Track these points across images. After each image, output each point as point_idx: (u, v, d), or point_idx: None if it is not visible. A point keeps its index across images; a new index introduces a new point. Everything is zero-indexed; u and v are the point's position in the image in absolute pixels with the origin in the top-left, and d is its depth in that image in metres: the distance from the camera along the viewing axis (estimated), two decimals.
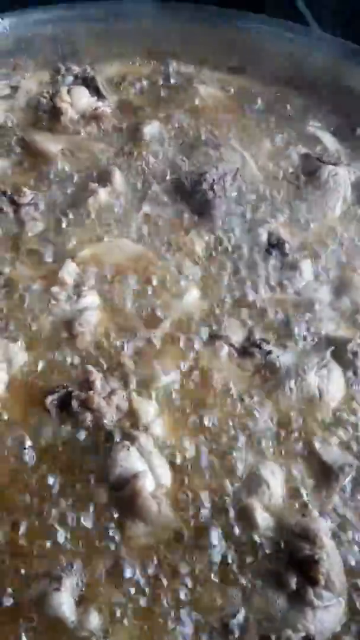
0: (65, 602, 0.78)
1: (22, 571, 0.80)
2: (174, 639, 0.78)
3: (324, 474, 0.91)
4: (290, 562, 0.83)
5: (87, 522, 0.84)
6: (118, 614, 0.79)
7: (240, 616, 0.80)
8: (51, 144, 1.21)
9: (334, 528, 0.87)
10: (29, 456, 0.88)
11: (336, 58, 1.36)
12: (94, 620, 0.78)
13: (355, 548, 0.86)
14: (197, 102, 1.36)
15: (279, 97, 1.39)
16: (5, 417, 0.92)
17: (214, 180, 1.17)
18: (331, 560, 0.82)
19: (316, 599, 0.81)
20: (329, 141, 1.32)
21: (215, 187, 1.16)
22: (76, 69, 1.32)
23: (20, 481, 0.86)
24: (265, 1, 1.67)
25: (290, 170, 1.26)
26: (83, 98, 1.27)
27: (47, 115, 1.27)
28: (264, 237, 1.14)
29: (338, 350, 1.02)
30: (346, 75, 1.36)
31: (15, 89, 1.31)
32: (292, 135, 1.33)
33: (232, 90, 1.40)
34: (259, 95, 1.39)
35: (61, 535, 0.83)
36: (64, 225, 1.12)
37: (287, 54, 1.39)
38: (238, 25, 1.40)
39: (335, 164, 1.24)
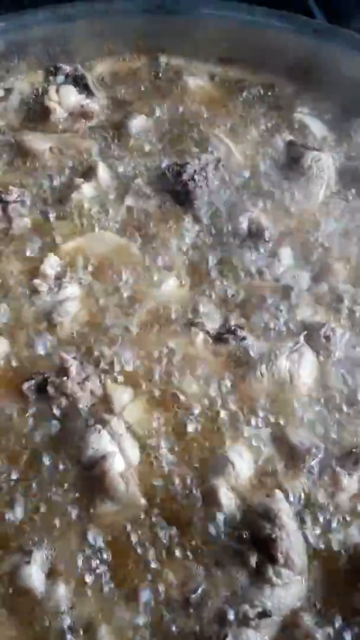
0: (34, 574, 0.83)
1: None
2: (135, 611, 0.82)
3: (292, 456, 0.93)
4: (252, 541, 0.85)
5: (59, 500, 0.89)
6: (84, 586, 0.84)
7: (201, 591, 0.84)
8: (40, 143, 1.26)
9: (299, 508, 0.89)
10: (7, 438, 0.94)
11: (326, 45, 1.35)
12: (61, 591, 0.83)
13: (319, 529, 0.88)
14: (185, 94, 1.38)
15: (268, 86, 1.39)
16: None
17: (195, 171, 1.19)
18: (291, 540, 0.84)
19: (275, 576, 0.83)
20: (317, 128, 1.32)
21: (196, 177, 1.18)
22: (67, 68, 1.36)
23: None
24: None
25: (275, 157, 1.26)
26: (71, 96, 1.31)
27: (37, 114, 1.32)
28: (244, 225, 1.16)
29: (312, 334, 1.03)
30: (336, 62, 1.35)
31: (9, 90, 1.36)
32: (279, 123, 1.33)
33: (222, 80, 1.42)
34: (248, 85, 1.40)
35: (33, 512, 0.88)
36: (49, 219, 1.16)
37: (276, 43, 1.38)
38: (228, 16, 1.40)
39: (318, 150, 1.24)
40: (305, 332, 1.03)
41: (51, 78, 1.35)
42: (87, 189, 1.19)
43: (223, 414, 0.96)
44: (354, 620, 0.83)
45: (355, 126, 1.31)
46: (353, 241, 1.15)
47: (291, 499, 0.90)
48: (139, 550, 0.86)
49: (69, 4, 1.36)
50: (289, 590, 0.83)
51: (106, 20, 1.39)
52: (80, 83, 1.35)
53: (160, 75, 1.41)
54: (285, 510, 0.86)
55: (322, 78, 1.37)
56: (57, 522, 0.87)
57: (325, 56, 1.35)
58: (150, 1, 1.40)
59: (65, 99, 1.31)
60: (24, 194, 1.18)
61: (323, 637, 0.80)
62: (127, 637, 0.80)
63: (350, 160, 1.26)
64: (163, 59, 1.43)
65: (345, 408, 0.97)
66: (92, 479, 0.89)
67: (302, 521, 0.88)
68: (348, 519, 0.89)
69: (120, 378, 0.99)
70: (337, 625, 0.82)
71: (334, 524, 0.89)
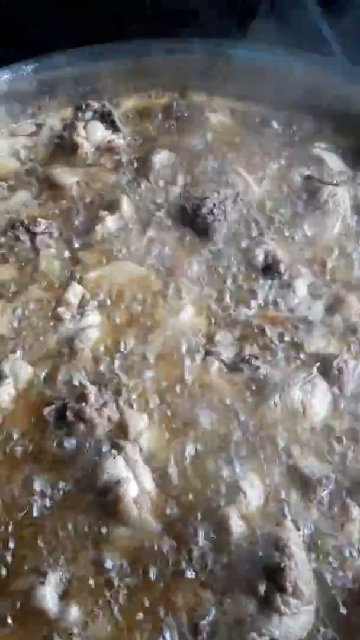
0: (48, 595, 0.86)
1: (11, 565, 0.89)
2: (145, 636, 0.84)
3: (303, 486, 0.95)
4: (261, 569, 0.87)
5: (74, 523, 0.92)
6: (97, 609, 0.86)
7: (211, 618, 0.85)
8: (68, 176, 1.32)
9: (307, 538, 0.91)
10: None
11: (343, 82, 1.40)
12: (74, 613, 0.86)
13: (328, 559, 0.90)
14: (207, 129, 1.43)
15: (287, 121, 1.44)
16: (10, 426, 1.02)
17: (214, 204, 1.23)
18: (300, 569, 0.86)
19: (283, 605, 0.84)
20: (334, 163, 1.36)
21: (215, 211, 1.23)
22: (95, 104, 1.43)
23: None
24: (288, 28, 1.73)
25: (293, 191, 1.30)
26: (98, 132, 1.38)
27: (66, 149, 1.38)
28: (260, 257, 1.20)
29: (325, 366, 1.06)
30: (352, 99, 1.40)
31: (40, 126, 1.44)
32: (297, 157, 1.37)
33: (242, 116, 1.47)
34: (268, 120, 1.45)
35: (50, 535, 0.91)
36: (74, 250, 1.22)
37: (294, 81, 1.43)
38: (248, 56, 1.46)
39: (335, 185, 1.27)
40: (318, 363, 1.06)
41: (79, 114, 1.41)
42: (111, 221, 1.24)
43: (235, 442, 0.99)
44: None
45: None
46: None
47: (301, 528, 0.91)
48: (151, 575, 0.88)
49: (97, 45, 1.44)
50: (297, 619, 0.84)
51: (132, 60, 1.46)
52: (107, 119, 1.41)
53: (183, 111, 1.47)
54: (294, 540, 0.88)
55: (339, 115, 1.41)
56: (72, 545, 0.90)
57: (342, 94, 1.40)
58: (173, 42, 1.47)
59: (92, 135, 1.37)
60: (52, 226, 1.23)
61: None
62: None
63: None
64: (186, 96, 1.49)
65: (355, 439, 0.99)
66: (106, 504, 0.92)
67: (311, 551, 0.89)
68: (357, 549, 0.90)
69: (137, 405, 1.03)
70: None
71: (343, 555, 0.90)
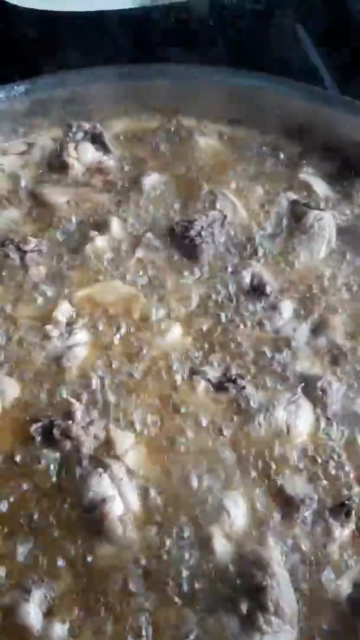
0: (32, 612, 0.86)
1: None
2: None
3: (286, 506, 0.97)
4: (244, 589, 0.88)
5: (59, 541, 0.92)
6: (81, 627, 0.86)
7: (193, 637, 0.86)
8: (58, 196, 1.34)
9: (291, 558, 0.92)
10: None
11: (327, 109, 1.44)
12: (58, 631, 0.86)
13: (310, 578, 0.91)
14: (196, 153, 1.45)
15: (274, 146, 1.47)
16: None
17: (202, 227, 1.25)
18: (282, 588, 0.87)
19: (265, 624, 0.85)
20: (320, 187, 1.39)
21: (202, 233, 1.25)
22: (86, 125, 1.45)
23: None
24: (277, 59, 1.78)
25: (279, 215, 1.33)
26: (88, 153, 1.40)
27: (56, 169, 1.40)
28: (247, 279, 1.22)
29: (309, 387, 1.08)
30: (339, 126, 1.43)
31: (31, 145, 1.45)
32: (284, 182, 1.40)
33: (231, 140, 1.50)
34: (255, 145, 1.48)
35: (34, 551, 0.91)
36: (63, 269, 1.23)
37: (281, 107, 1.47)
38: (236, 82, 1.50)
39: (321, 209, 1.31)
40: (302, 384, 1.08)
41: (71, 135, 1.43)
42: (100, 241, 1.26)
43: (220, 461, 1.00)
44: None
45: (357, 187, 1.38)
46: (352, 297, 1.21)
47: (284, 548, 0.92)
48: (135, 593, 0.88)
49: (90, 68, 1.47)
50: (278, 638, 0.85)
51: (124, 83, 1.49)
52: (98, 140, 1.43)
53: (173, 134, 1.50)
54: (276, 559, 0.89)
55: (325, 140, 1.44)
56: (57, 562, 0.90)
57: (328, 120, 1.43)
58: (164, 67, 1.51)
59: (83, 155, 1.39)
60: (41, 244, 1.25)
61: None
62: None
63: (350, 219, 1.32)
64: (176, 120, 1.51)
65: (338, 459, 1.01)
66: (92, 521, 0.93)
67: (293, 571, 0.91)
68: (339, 570, 0.91)
69: (123, 423, 1.04)
70: None
71: (325, 575, 0.91)
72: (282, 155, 1.46)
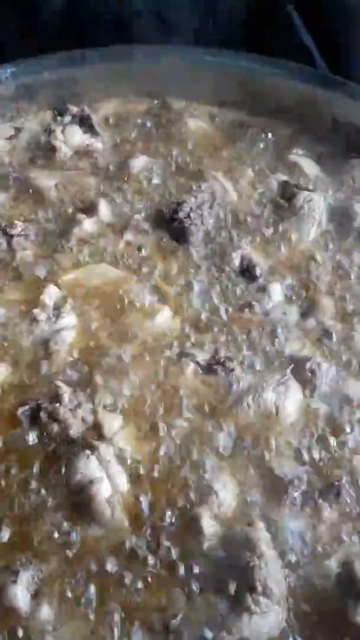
0: (19, 594, 0.86)
1: None
2: (118, 635, 0.84)
3: (275, 487, 0.96)
4: (232, 569, 0.88)
5: (47, 523, 0.92)
6: (69, 608, 0.86)
7: (181, 617, 0.86)
8: (45, 180, 1.33)
9: (280, 539, 0.91)
10: None
11: (320, 90, 1.43)
12: (46, 612, 0.85)
13: (299, 558, 0.90)
14: (185, 135, 1.45)
15: (265, 128, 1.46)
16: None
17: (191, 209, 1.24)
18: (270, 569, 0.86)
19: (253, 604, 0.85)
20: (310, 168, 1.38)
21: (191, 215, 1.24)
22: (74, 109, 1.44)
23: None
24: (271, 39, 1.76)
25: (269, 197, 1.32)
26: (76, 136, 1.39)
27: (44, 153, 1.39)
28: (236, 261, 1.21)
29: (298, 368, 1.07)
30: (330, 106, 1.42)
31: (18, 129, 1.44)
32: (274, 163, 1.39)
33: (221, 122, 1.49)
34: (246, 127, 1.47)
35: (22, 533, 0.90)
36: (51, 252, 1.22)
37: (272, 88, 1.46)
38: (227, 63, 1.49)
39: (310, 190, 1.29)
40: (292, 366, 1.07)
41: (58, 118, 1.43)
42: (88, 224, 1.25)
43: (209, 443, 0.99)
44: None
45: (347, 168, 1.37)
46: (341, 278, 1.20)
47: (273, 529, 0.92)
48: (123, 575, 0.88)
49: (77, 50, 1.45)
50: (266, 618, 0.85)
51: (112, 66, 1.47)
52: (85, 124, 1.42)
53: (162, 116, 1.49)
54: (264, 540, 0.88)
55: (316, 122, 1.44)
56: (45, 544, 0.90)
57: (318, 101, 1.43)
58: (153, 48, 1.49)
59: (70, 139, 1.38)
60: (28, 228, 1.24)
61: None
62: None
63: (340, 200, 1.32)
64: (165, 102, 1.50)
65: (328, 441, 1.00)
66: (79, 503, 0.92)
67: (282, 552, 0.90)
68: (327, 551, 0.91)
69: (112, 406, 1.03)
70: None
71: (315, 555, 0.91)
72: (272, 137, 1.45)
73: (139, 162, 1.36)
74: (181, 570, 0.88)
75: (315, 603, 0.87)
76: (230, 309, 1.15)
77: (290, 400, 1.03)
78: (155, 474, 0.96)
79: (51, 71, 1.43)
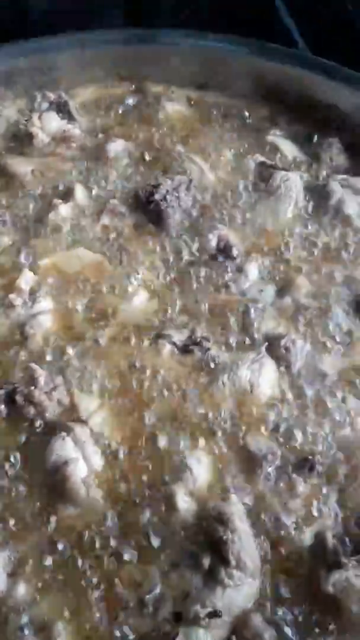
0: None
1: None
2: (92, 612, 0.85)
3: (249, 462, 0.97)
4: (206, 544, 0.88)
5: (23, 504, 0.93)
6: (44, 586, 0.87)
7: (157, 592, 0.87)
8: (22, 166, 1.33)
9: (252, 513, 0.92)
10: None
11: (299, 70, 1.43)
12: (22, 590, 0.86)
13: (273, 533, 0.91)
14: (163, 118, 1.44)
15: (242, 110, 1.46)
16: None
17: (167, 191, 1.24)
18: (243, 542, 0.87)
19: (227, 578, 0.86)
20: (288, 149, 1.38)
21: (167, 197, 1.24)
22: (51, 95, 1.44)
23: None
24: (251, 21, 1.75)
25: (247, 177, 1.32)
26: (53, 122, 1.39)
27: (21, 139, 1.39)
28: (213, 242, 1.21)
29: (273, 346, 1.07)
30: (307, 86, 1.42)
31: None
32: (252, 144, 1.39)
33: (199, 105, 1.49)
34: (224, 109, 1.47)
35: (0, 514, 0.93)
36: (27, 238, 1.22)
37: (251, 70, 1.46)
38: (203, 45, 1.48)
39: (287, 170, 1.29)
40: (266, 344, 1.07)
41: (35, 105, 1.42)
42: (64, 209, 1.25)
43: (184, 421, 1.00)
44: (304, 623, 0.85)
45: (324, 147, 1.37)
46: (317, 257, 1.20)
47: (246, 503, 0.93)
48: (98, 552, 0.89)
49: (53, 35, 1.45)
50: (240, 591, 0.86)
51: (88, 50, 1.47)
52: (63, 109, 1.42)
53: (139, 101, 1.48)
54: (238, 514, 0.89)
55: (293, 102, 1.44)
56: (21, 524, 0.91)
57: (295, 82, 1.42)
58: (131, 32, 1.48)
59: (47, 125, 1.38)
60: (5, 214, 1.24)
61: (272, 638, 0.83)
62: (82, 635, 0.84)
63: (317, 179, 1.32)
64: (143, 86, 1.50)
65: (301, 416, 1.01)
66: (55, 484, 0.93)
67: (256, 525, 0.91)
68: (301, 524, 0.92)
69: (88, 388, 1.04)
70: (285, 627, 0.85)
71: (288, 529, 0.91)
72: (250, 118, 1.45)
73: (116, 146, 1.35)
74: (156, 546, 0.89)
75: (288, 575, 0.88)
76: (207, 290, 1.16)
77: (264, 378, 1.04)
78: (131, 453, 0.97)
79: (28, 57, 1.42)
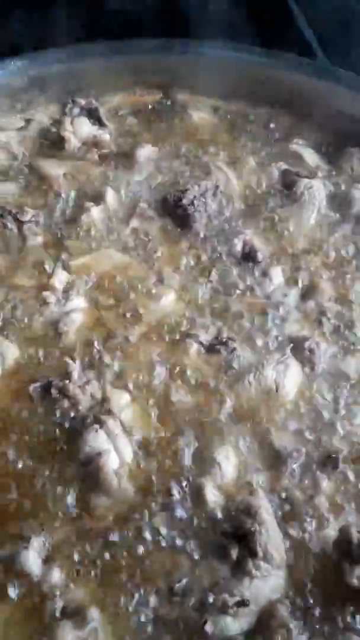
0: (31, 559, 0.90)
1: None
2: (125, 597, 0.89)
3: (275, 459, 1.00)
4: (234, 535, 0.92)
5: (58, 492, 0.96)
6: (79, 572, 0.91)
7: (185, 581, 0.90)
8: (55, 169, 1.37)
9: (279, 508, 0.96)
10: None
11: (319, 81, 1.47)
12: (56, 576, 0.90)
13: (298, 527, 0.94)
14: (189, 126, 1.49)
15: (267, 119, 1.51)
16: None
17: (194, 196, 1.29)
18: (270, 535, 0.90)
19: (254, 569, 0.89)
20: (310, 157, 1.42)
21: (195, 202, 1.28)
22: (82, 101, 1.48)
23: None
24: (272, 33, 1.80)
25: (271, 185, 1.36)
26: (84, 127, 1.43)
27: (53, 143, 1.44)
28: (238, 247, 1.25)
29: (297, 347, 1.11)
30: (328, 97, 1.47)
31: (28, 121, 1.49)
32: (275, 153, 1.44)
33: (224, 113, 1.53)
34: (248, 117, 1.52)
35: (34, 502, 0.95)
36: (60, 239, 1.27)
37: (273, 80, 1.50)
38: (230, 56, 1.53)
39: (311, 178, 1.33)
40: (291, 345, 1.11)
41: (67, 110, 1.47)
42: (95, 212, 1.29)
43: (212, 418, 1.04)
44: (329, 615, 0.89)
45: (346, 156, 1.41)
46: (340, 262, 1.24)
47: (273, 499, 0.96)
48: (130, 542, 0.93)
49: (86, 43, 1.50)
50: (267, 582, 0.89)
51: (119, 58, 1.52)
52: (93, 115, 1.47)
53: (166, 108, 1.53)
54: (265, 507, 0.93)
55: (316, 112, 1.48)
56: (55, 512, 0.94)
57: (318, 92, 1.47)
58: (159, 41, 1.53)
59: (79, 130, 1.43)
60: (38, 215, 1.28)
61: (297, 628, 0.86)
62: (114, 620, 0.87)
63: (339, 187, 1.36)
64: (170, 94, 1.55)
65: (326, 415, 1.04)
66: (88, 474, 0.97)
67: (282, 520, 0.94)
68: (325, 519, 0.95)
69: (119, 383, 1.08)
70: (311, 618, 0.88)
71: (313, 524, 0.95)
72: (273, 127, 1.49)
73: (144, 152, 1.40)
74: (185, 537, 0.92)
75: (313, 567, 0.92)
76: (232, 293, 1.20)
77: (289, 378, 1.08)
78: (161, 447, 1.01)
79: (61, 63, 1.47)
